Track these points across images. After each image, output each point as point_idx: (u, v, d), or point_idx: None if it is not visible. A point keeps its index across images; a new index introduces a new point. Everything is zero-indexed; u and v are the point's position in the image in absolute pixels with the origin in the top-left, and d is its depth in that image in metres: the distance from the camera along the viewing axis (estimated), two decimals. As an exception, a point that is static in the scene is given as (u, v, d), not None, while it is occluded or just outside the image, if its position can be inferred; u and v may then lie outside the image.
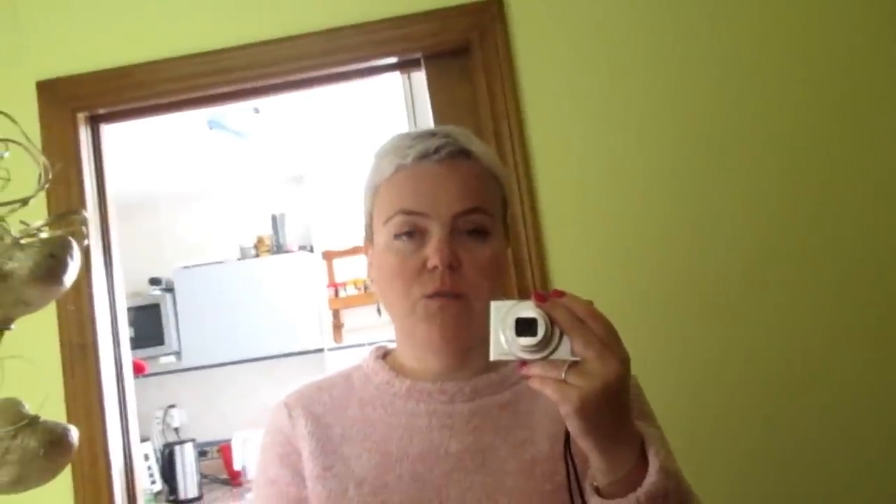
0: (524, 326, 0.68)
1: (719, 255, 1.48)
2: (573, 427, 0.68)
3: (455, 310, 0.84)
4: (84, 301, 1.61)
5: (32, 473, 0.59)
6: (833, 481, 1.43)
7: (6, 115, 0.52)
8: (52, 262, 0.53)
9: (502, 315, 0.70)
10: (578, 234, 1.50)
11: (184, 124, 3.19)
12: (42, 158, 0.49)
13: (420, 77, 1.67)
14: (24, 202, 0.48)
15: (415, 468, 0.84)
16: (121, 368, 1.69)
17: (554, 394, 0.68)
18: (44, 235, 0.51)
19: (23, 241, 0.53)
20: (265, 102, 3.00)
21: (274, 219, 4.38)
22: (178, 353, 4.18)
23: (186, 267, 4.21)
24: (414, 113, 1.72)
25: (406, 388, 0.90)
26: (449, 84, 1.59)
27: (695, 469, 1.42)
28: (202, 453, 4.06)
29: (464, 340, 0.86)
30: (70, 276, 0.54)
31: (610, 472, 0.71)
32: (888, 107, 1.48)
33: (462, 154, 0.88)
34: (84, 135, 1.68)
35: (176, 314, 4.18)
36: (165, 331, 4.13)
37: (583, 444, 0.70)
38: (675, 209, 1.49)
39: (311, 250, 4.32)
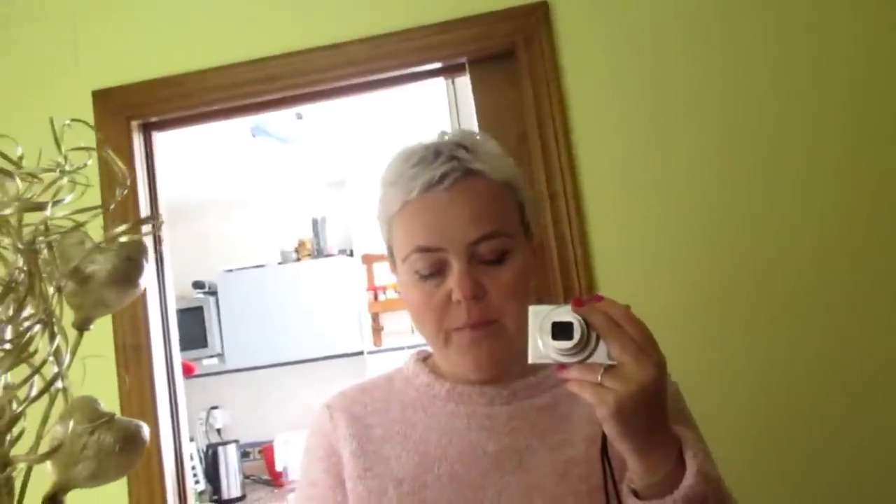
0: (561, 330, 0.69)
1: (766, 257, 1.46)
2: (610, 430, 0.69)
3: (488, 338, 0.85)
4: (138, 303, 1.65)
5: (109, 469, 0.61)
6: (889, 490, 1.41)
7: (85, 122, 0.54)
8: (129, 265, 0.55)
9: (540, 319, 0.71)
10: (624, 236, 1.50)
11: (227, 131, 3.25)
12: (122, 166, 0.51)
13: (464, 81, 1.69)
14: (106, 207, 0.50)
15: (453, 469, 0.85)
16: (171, 369, 1.73)
17: (591, 397, 0.69)
18: (123, 239, 0.53)
19: (101, 245, 0.55)
20: (308, 108, 3.04)
21: (315, 223, 4.43)
22: (220, 356, 4.25)
23: (229, 270, 4.28)
24: (458, 117, 1.73)
25: (446, 390, 0.91)
26: (494, 88, 1.60)
27: (739, 475, 1.41)
28: (244, 454, 4.12)
29: (499, 364, 0.87)
30: (145, 279, 0.56)
31: (647, 475, 0.71)
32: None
33: (468, 175, 0.85)
34: (137, 142, 1.73)
35: (219, 317, 4.25)
36: (208, 333, 4.20)
37: (620, 446, 0.71)
38: (721, 212, 1.48)
39: (351, 254, 4.37)
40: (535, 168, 1.53)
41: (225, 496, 3.81)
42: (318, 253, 4.38)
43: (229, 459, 3.88)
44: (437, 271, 0.85)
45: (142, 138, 1.75)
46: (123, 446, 0.61)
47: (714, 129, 1.49)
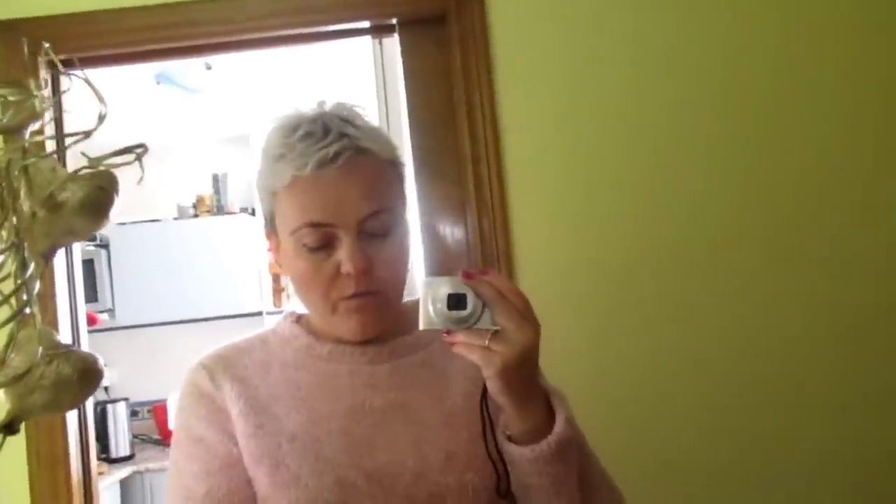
0: (456, 301, 0.77)
1: (679, 228, 1.56)
2: (494, 387, 0.78)
3: (373, 305, 0.90)
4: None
5: (65, 399, 0.61)
6: (799, 465, 1.54)
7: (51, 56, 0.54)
8: (100, 195, 0.55)
9: (434, 290, 0.78)
10: (543, 202, 1.56)
11: (129, 76, 3.10)
12: (99, 93, 0.51)
13: (391, 43, 1.69)
14: (87, 134, 0.50)
15: (343, 424, 0.89)
16: (76, 319, 1.68)
17: (479, 359, 0.77)
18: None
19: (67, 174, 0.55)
20: (220, 59, 2.95)
21: (216, 178, 4.31)
22: (111, 311, 4.10)
23: (122, 223, 4.11)
24: (384, 79, 1.74)
25: (327, 350, 0.94)
26: (423, 52, 1.62)
27: (654, 445, 1.52)
28: (133, 413, 4.01)
29: (381, 328, 0.93)
30: (114, 210, 0.57)
31: (522, 423, 0.81)
32: (851, 77, 1.57)
33: (359, 153, 0.88)
34: (44, 79, 1.64)
35: (110, 271, 4.09)
36: (99, 288, 4.02)
37: (501, 400, 0.79)
38: (640, 183, 1.56)
39: (253, 213, 4.28)
40: (460, 132, 1.57)
41: (113, 454, 3.70)
42: (219, 210, 4.27)
43: (118, 418, 3.76)
44: (326, 244, 0.88)
45: (49, 76, 1.66)
46: (81, 377, 0.62)
47: (638, 104, 1.57)
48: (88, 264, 3.96)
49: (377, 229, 0.88)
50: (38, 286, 0.52)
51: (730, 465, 1.54)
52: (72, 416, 1.61)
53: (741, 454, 1.54)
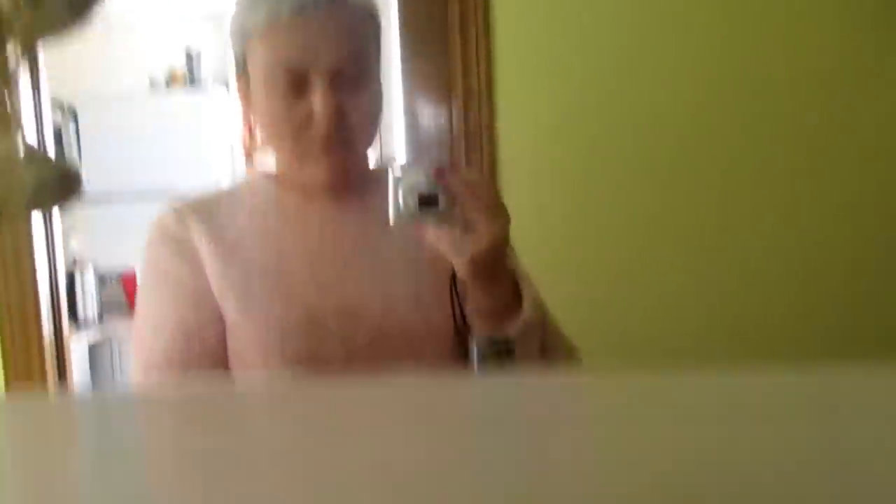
0: (427, 199, 0.80)
1: (655, 122, 1.54)
2: (465, 273, 0.83)
3: (342, 153, 0.92)
4: (12, 119, 1.55)
5: (45, 199, 0.63)
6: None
7: None
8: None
9: (404, 184, 0.80)
10: (530, 93, 1.53)
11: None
12: None
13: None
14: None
15: (312, 260, 0.93)
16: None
17: (450, 248, 0.82)
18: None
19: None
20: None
21: (189, 54, 4.19)
22: (79, 180, 4.05)
23: (91, 92, 4.00)
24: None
25: (295, 194, 0.96)
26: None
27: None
28: (101, 282, 4.03)
29: (350, 177, 0.95)
30: (97, 14, 0.57)
31: (490, 304, 0.86)
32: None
33: (336, 1, 0.89)
34: None
35: (78, 140, 4.02)
36: (67, 156, 3.97)
37: (470, 284, 0.85)
38: (626, 81, 1.53)
39: (227, 87, 4.20)
40: (452, 61, 1.51)
41: (81, 318, 3.74)
42: (192, 83, 4.17)
43: (86, 283, 3.79)
44: (298, 88, 0.88)
45: None
46: (60, 182, 0.63)
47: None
48: (56, 135, 3.89)
49: (350, 78, 0.89)
50: (20, 75, 0.53)
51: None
52: (43, 278, 1.61)
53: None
